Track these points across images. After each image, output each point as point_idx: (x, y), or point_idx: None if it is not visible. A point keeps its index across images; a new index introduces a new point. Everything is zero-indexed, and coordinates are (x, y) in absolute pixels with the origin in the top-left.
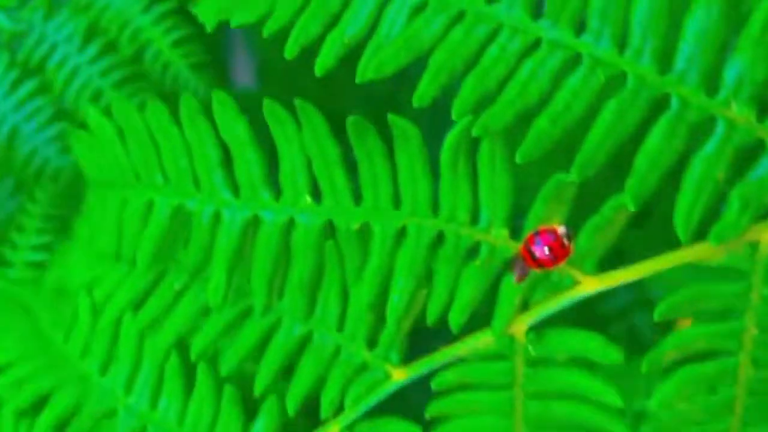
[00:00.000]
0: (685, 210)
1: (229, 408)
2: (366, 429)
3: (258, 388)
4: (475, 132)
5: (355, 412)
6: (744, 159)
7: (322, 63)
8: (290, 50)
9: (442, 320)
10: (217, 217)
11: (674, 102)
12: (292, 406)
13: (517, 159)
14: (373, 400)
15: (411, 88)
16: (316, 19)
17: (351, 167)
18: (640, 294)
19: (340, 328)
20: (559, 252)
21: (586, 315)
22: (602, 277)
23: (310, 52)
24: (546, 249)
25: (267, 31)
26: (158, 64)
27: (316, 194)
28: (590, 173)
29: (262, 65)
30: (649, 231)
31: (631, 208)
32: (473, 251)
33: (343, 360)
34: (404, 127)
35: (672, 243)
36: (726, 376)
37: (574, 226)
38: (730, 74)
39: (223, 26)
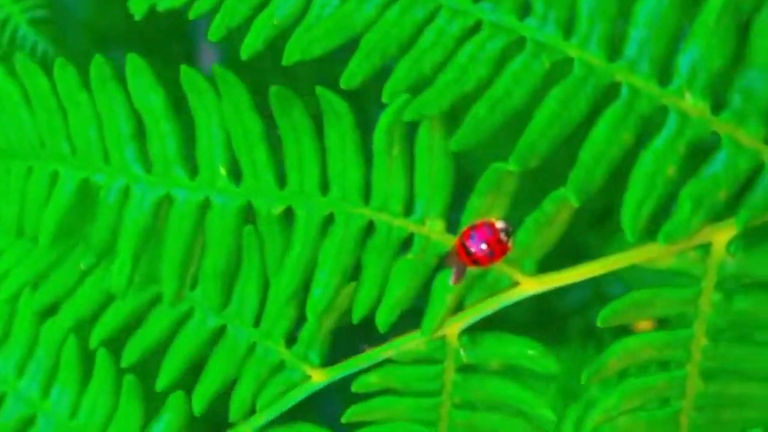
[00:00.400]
0: (633, 208)
1: (128, 402)
2: None
3: (161, 383)
4: (407, 116)
5: (266, 416)
6: (697, 154)
7: (249, 45)
8: (214, 33)
9: (370, 319)
10: (126, 194)
11: (624, 91)
12: (198, 405)
13: (452, 146)
14: (287, 403)
15: (382, 85)
16: (243, 1)
17: (276, 145)
18: (599, 288)
19: (257, 322)
20: (496, 248)
21: (542, 308)
22: (542, 278)
23: (274, 41)
24: (482, 244)
25: (193, 14)
26: None
27: (236, 174)
28: (532, 164)
29: (226, 55)
30: (609, 230)
31: (574, 203)
32: (406, 244)
33: (258, 357)
34: (334, 102)
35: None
36: (673, 388)
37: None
38: (683, 63)
39: (186, 15)
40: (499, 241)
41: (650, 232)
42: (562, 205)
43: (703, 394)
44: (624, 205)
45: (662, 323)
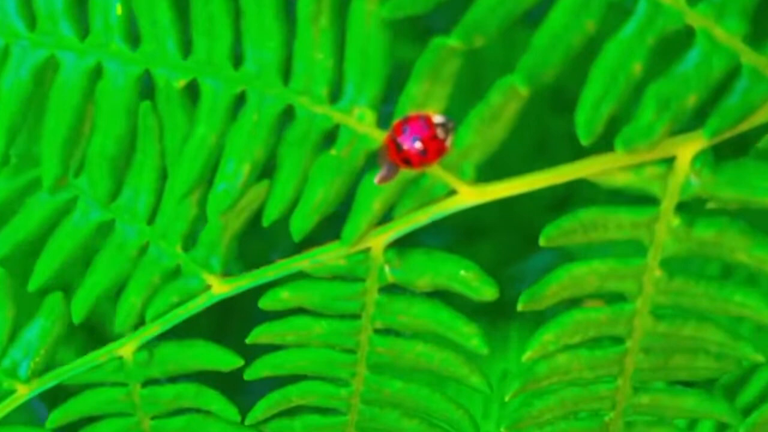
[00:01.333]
0: (589, 105)
1: None
2: (169, 351)
3: (34, 282)
4: None
5: (156, 328)
6: (667, 52)
7: None
8: None
9: (284, 225)
10: (4, 54)
11: None
12: (78, 312)
13: (385, 12)
14: (182, 314)
15: None
16: None
17: (184, 5)
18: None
19: (151, 219)
20: (431, 146)
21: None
22: (483, 187)
23: None
24: (415, 141)
25: None
26: None
27: (135, 38)
28: (477, 42)
29: None
30: None
31: (523, 91)
32: (329, 137)
33: (150, 260)
34: None
35: None
36: (619, 324)
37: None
38: None
39: None
40: (435, 137)
41: (608, 143)
42: (510, 95)
43: (651, 334)
44: (580, 102)
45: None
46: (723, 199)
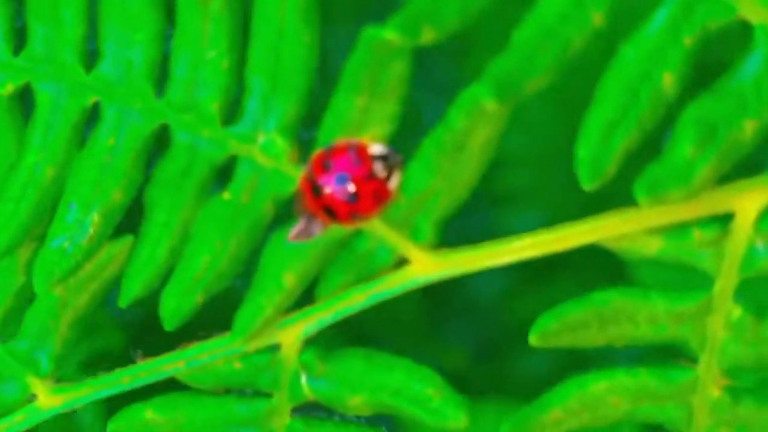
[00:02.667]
0: (596, 134)
1: None
2: None
3: None
4: None
5: None
6: (714, 62)
7: None
8: None
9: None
10: None
11: None
12: None
13: None
14: None
15: None
16: None
17: None
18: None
19: None
20: (366, 189)
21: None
22: (445, 256)
23: None
24: (343, 181)
25: None
26: None
27: None
28: (426, 35)
29: None
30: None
31: (490, 108)
32: (222, 174)
33: None
34: None
35: None
36: None
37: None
38: None
39: None
40: (372, 176)
41: (625, 190)
42: (477, 115)
43: None
44: (583, 130)
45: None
46: None
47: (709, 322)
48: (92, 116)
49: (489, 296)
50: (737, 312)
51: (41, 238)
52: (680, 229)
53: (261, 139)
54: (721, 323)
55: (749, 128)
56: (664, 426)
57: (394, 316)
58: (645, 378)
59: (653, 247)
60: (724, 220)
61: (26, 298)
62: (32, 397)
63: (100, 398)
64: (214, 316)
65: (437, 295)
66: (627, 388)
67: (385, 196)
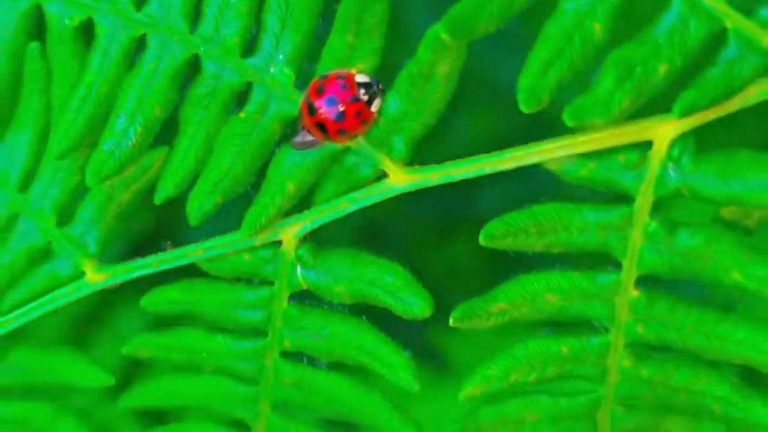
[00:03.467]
0: (535, 69)
1: None
2: (25, 357)
3: None
4: None
5: (16, 320)
6: (635, 14)
7: None
8: None
9: (181, 203)
10: None
11: None
12: None
13: None
14: (48, 305)
15: None
16: None
17: None
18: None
19: (24, 186)
20: (351, 110)
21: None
22: (417, 170)
23: None
24: (332, 103)
25: None
26: None
27: None
28: None
29: None
30: None
31: (448, 39)
32: (240, 97)
33: (17, 235)
34: None
35: None
36: (586, 362)
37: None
38: None
39: None
40: (356, 99)
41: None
42: (439, 49)
43: (632, 379)
44: (526, 64)
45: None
46: (709, 197)
47: (630, 234)
48: (139, 46)
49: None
50: (653, 225)
51: (95, 145)
52: (608, 153)
53: (272, 69)
54: (639, 234)
55: (662, 70)
56: (592, 321)
57: None
58: (576, 279)
59: (586, 168)
60: (644, 147)
61: (81, 193)
62: (81, 274)
63: (135, 277)
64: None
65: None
66: (561, 287)
67: (367, 117)
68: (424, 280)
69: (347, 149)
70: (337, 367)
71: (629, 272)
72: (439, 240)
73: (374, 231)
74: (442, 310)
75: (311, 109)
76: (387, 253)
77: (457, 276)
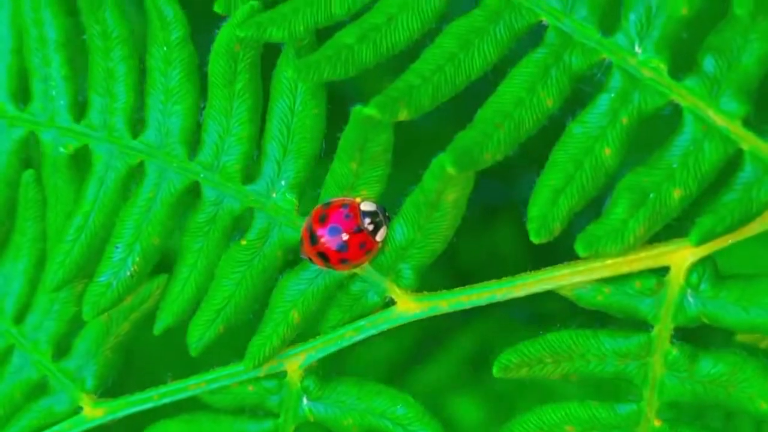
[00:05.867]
0: (545, 196)
1: None
2: None
3: None
4: (245, 32)
5: None
6: (647, 136)
7: None
8: None
9: (182, 331)
10: None
11: (550, 36)
12: None
13: (294, 75)
14: None
15: None
16: None
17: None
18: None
19: (20, 318)
20: (355, 240)
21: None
22: (426, 299)
23: None
24: (335, 232)
25: None
26: None
27: (24, 93)
28: (404, 113)
29: None
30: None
31: (451, 170)
32: (241, 224)
33: (11, 370)
34: (161, 4)
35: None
36: None
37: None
38: (634, 7)
39: None
40: (360, 229)
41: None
42: (445, 178)
43: None
44: (534, 192)
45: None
46: (730, 324)
47: (650, 362)
48: (137, 174)
49: None
50: (674, 352)
51: (91, 276)
52: (624, 279)
53: (274, 195)
54: (660, 362)
55: (676, 195)
56: None
57: None
58: (595, 410)
59: (601, 294)
60: (661, 272)
61: (77, 324)
62: (79, 409)
63: (134, 412)
64: (233, 345)
65: None
66: (580, 418)
67: (371, 247)
68: (459, 271)
69: (353, 275)
70: None
71: (651, 402)
72: (474, 227)
73: None
74: None
75: (313, 238)
76: None
77: (493, 266)
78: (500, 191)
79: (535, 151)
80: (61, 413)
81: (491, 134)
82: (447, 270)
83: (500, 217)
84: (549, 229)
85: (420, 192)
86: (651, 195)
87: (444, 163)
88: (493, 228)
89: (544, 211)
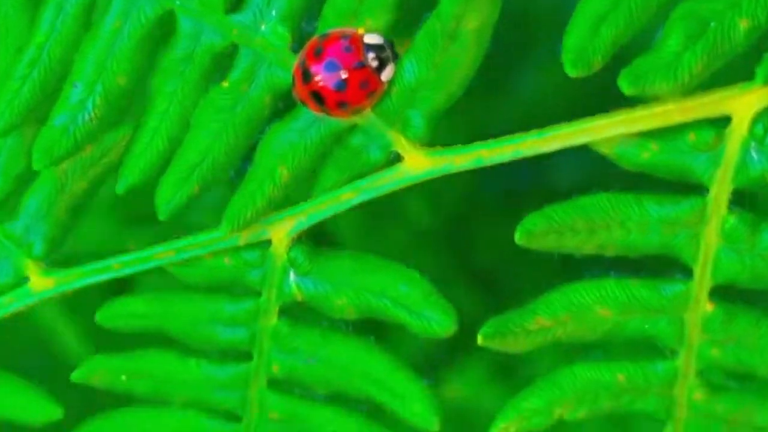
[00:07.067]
0: (585, 23)
1: None
2: None
3: None
4: None
5: None
6: None
7: None
8: None
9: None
10: None
11: None
12: None
13: None
14: None
15: None
16: None
17: None
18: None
19: None
20: (356, 77)
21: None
22: (436, 153)
23: None
24: (335, 70)
25: None
26: None
27: None
28: None
29: None
30: None
31: None
32: (222, 63)
33: None
34: None
35: None
36: (650, 394)
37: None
38: None
39: None
40: (362, 65)
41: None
42: (466, 3)
43: (702, 412)
44: (572, 20)
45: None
46: None
47: (702, 232)
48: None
49: None
50: (732, 220)
51: (44, 120)
52: (675, 132)
53: (263, 28)
54: (715, 232)
55: (742, 26)
56: (655, 342)
57: None
58: (636, 290)
59: (647, 151)
60: (720, 124)
61: (26, 180)
62: (24, 280)
63: (91, 283)
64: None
65: None
66: (617, 299)
67: (375, 87)
68: (479, 271)
69: (353, 126)
70: (337, 399)
71: (702, 281)
72: (494, 219)
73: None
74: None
75: (306, 75)
76: (428, 235)
77: (514, 264)
78: (527, 176)
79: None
80: (3, 285)
81: None
82: (464, 266)
83: (527, 205)
84: (587, 62)
85: (436, 19)
86: (711, 25)
87: None
88: (519, 218)
89: (583, 40)
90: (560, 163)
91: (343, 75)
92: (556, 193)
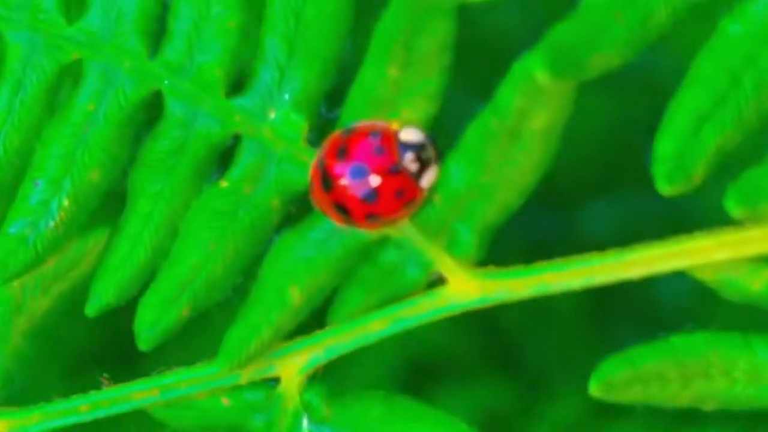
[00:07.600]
0: (682, 127)
1: None
2: None
3: None
4: None
5: None
6: None
7: None
8: None
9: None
10: None
11: None
12: None
13: None
14: None
15: None
16: None
17: None
18: None
19: None
20: (390, 185)
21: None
22: (489, 276)
23: None
24: (363, 176)
25: None
26: None
27: None
28: None
29: None
30: None
31: (542, 79)
32: (222, 157)
33: None
34: None
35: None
36: None
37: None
38: None
39: None
40: (398, 169)
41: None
42: (533, 94)
43: None
44: (665, 120)
45: None
46: None
47: None
48: (71, 76)
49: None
50: None
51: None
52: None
53: (272, 115)
54: None
55: None
56: None
57: None
58: None
59: (760, 280)
60: None
61: None
62: None
63: (52, 429)
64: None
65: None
66: None
67: (413, 195)
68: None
69: (385, 238)
70: None
71: None
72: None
73: None
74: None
75: (327, 181)
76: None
77: (547, 325)
78: (556, 224)
79: (597, 175)
80: None
81: (607, 28)
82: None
83: (556, 256)
84: (686, 173)
85: (492, 113)
86: None
87: (532, 68)
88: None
89: (681, 145)
90: (587, 212)
91: (374, 183)
92: (586, 243)
